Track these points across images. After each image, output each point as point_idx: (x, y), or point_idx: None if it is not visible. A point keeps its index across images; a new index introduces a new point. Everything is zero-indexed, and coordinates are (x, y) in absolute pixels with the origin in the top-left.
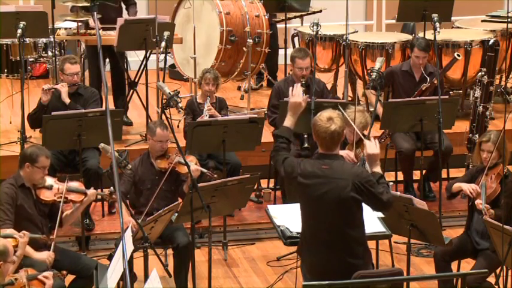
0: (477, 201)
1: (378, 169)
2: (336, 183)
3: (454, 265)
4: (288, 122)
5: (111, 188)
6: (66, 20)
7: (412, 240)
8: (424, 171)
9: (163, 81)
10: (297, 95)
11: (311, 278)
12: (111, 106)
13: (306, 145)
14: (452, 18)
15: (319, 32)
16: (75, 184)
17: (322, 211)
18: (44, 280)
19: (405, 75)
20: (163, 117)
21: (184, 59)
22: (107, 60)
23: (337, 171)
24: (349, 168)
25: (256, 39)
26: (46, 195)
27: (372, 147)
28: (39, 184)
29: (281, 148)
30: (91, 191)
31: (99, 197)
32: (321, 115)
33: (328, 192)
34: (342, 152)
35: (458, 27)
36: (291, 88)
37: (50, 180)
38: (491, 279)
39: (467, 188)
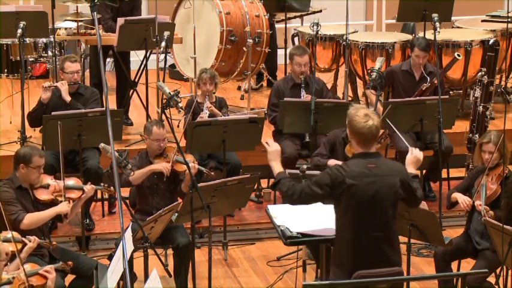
0: (477, 203)
1: (413, 170)
2: (385, 180)
3: (454, 265)
4: (278, 166)
5: (111, 187)
6: (66, 20)
7: (412, 240)
8: (424, 171)
9: (163, 81)
10: (271, 144)
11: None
12: (114, 106)
13: (307, 139)
14: (452, 18)
15: (319, 32)
16: (72, 181)
17: (374, 210)
18: (46, 274)
19: (405, 74)
20: (163, 117)
21: (184, 59)
22: (108, 60)
23: (384, 169)
24: (393, 165)
25: (256, 39)
26: (44, 195)
27: (420, 154)
28: (36, 184)
29: (292, 182)
30: (88, 186)
31: (98, 193)
32: (357, 112)
33: (379, 191)
34: (331, 162)
35: (458, 27)
36: (265, 143)
37: (46, 179)
38: (491, 279)
39: (462, 201)
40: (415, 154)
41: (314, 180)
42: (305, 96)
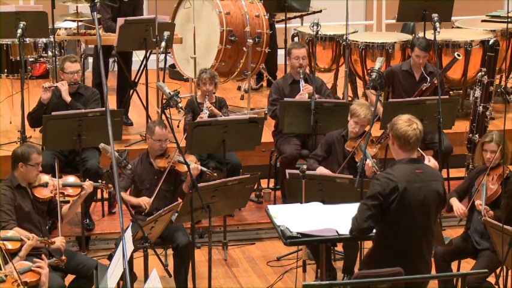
0: (477, 202)
1: None
2: (432, 186)
3: (454, 265)
4: None
5: (109, 184)
6: (66, 20)
7: None
8: None
9: (163, 81)
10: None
11: None
12: (114, 106)
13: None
14: (452, 18)
15: (319, 32)
16: (71, 179)
17: (421, 215)
18: (39, 270)
19: (405, 74)
20: (163, 117)
21: (184, 59)
22: (111, 60)
23: (429, 174)
24: (434, 170)
25: (256, 39)
26: (43, 193)
27: (436, 163)
28: (35, 182)
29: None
30: (87, 183)
31: (98, 193)
32: (399, 118)
33: (427, 196)
34: (320, 169)
35: (458, 27)
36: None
37: (45, 178)
38: (491, 279)
39: (456, 209)
40: (433, 161)
41: (366, 196)
42: (304, 86)
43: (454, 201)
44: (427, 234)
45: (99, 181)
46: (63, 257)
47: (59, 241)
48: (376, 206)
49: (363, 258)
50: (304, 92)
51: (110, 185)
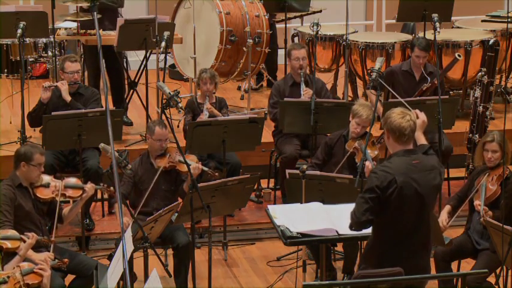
0: (476, 203)
1: (423, 139)
2: (429, 175)
3: (454, 265)
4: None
5: (111, 188)
6: (66, 20)
7: None
8: None
9: (163, 81)
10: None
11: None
12: (111, 106)
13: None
14: (452, 18)
15: (319, 32)
16: (73, 180)
17: (420, 205)
18: (41, 272)
19: (405, 74)
20: (163, 117)
21: (184, 59)
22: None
23: (427, 164)
24: (431, 159)
25: (256, 39)
26: (44, 193)
27: (424, 117)
28: (36, 182)
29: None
30: (89, 186)
31: (98, 193)
32: (392, 112)
33: (426, 186)
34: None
35: (458, 27)
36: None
37: (46, 178)
38: (491, 279)
39: (439, 220)
40: (423, 118)
41: (364, 190)
42: (304, 89)
43: (443, 212)
44: (427, 224)
45: (101, 184)
46: (65, 259)
47: (45, 256)
48: (374, 199)
49: (363, 253)
50: (305, 97)
51: (112, 189)
